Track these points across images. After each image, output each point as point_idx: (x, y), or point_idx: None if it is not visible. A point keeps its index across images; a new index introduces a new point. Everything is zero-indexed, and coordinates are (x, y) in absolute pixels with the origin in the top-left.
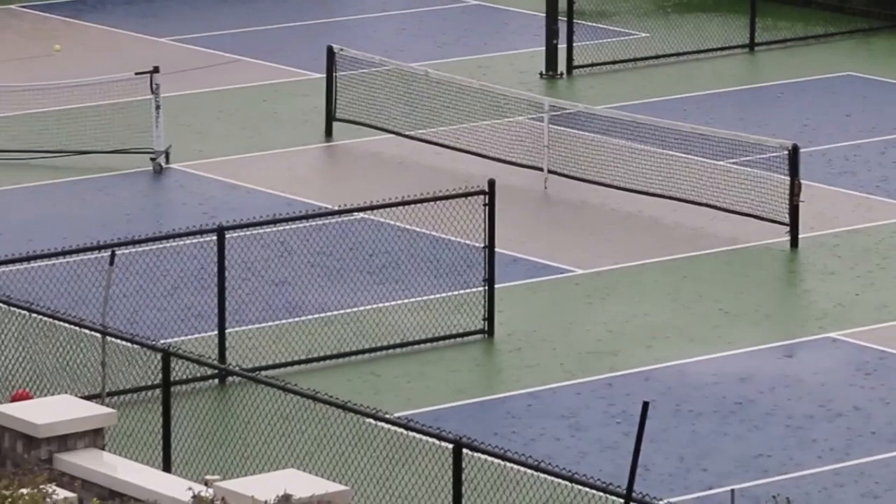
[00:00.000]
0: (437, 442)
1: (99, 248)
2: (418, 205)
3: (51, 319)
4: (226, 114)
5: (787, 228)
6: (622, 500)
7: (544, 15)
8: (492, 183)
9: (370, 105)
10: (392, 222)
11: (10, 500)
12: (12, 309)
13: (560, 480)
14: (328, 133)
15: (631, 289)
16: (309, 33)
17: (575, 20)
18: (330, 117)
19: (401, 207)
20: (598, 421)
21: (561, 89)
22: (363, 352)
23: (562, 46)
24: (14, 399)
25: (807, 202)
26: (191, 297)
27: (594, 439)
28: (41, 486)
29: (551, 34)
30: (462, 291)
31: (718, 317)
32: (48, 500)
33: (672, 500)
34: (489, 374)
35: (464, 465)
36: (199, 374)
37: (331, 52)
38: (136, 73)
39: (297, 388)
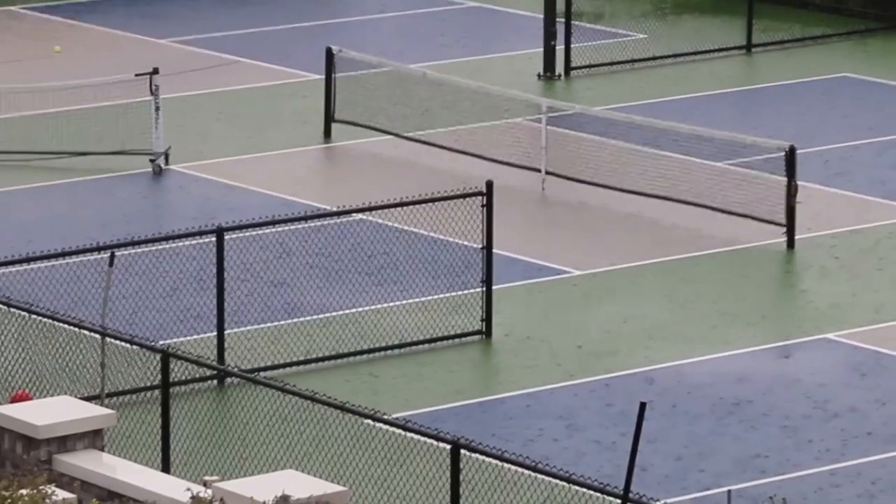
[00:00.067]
0: (435, 443)
1: (98, 249)
2: (417, 206)
3: (50, 320)
4: (225, 115)
5: (784, 229)
6: (619, 501)
7: (542, 16)
8: (490, 184)
9: (369, 106)
10: (391, 223)
11: (9, 500)
12: (12, 310)
13: (558, 481)
14: (327, 134)
15: (629, 289)
16: (308, 35)
17: (573, 22)
18: (329, 118)
19: (399, 208)
20: (595, 421)
21: (559, 91)
22: (361, 353)
23: (560, 48)
24: (14, 400)
25: (804, 203)
26: (190, 298)
27: (592, 440)
28: (41, 487)
29: (549, 36)
30: (460, 292)
31: (716, 317)
32: (48, 500)
33: (669, 500)
34: (487, 374)
35: (462, 466)
36: (198, 375)
37: (330, 54)
38: (136, 75)
39: (295, 389)
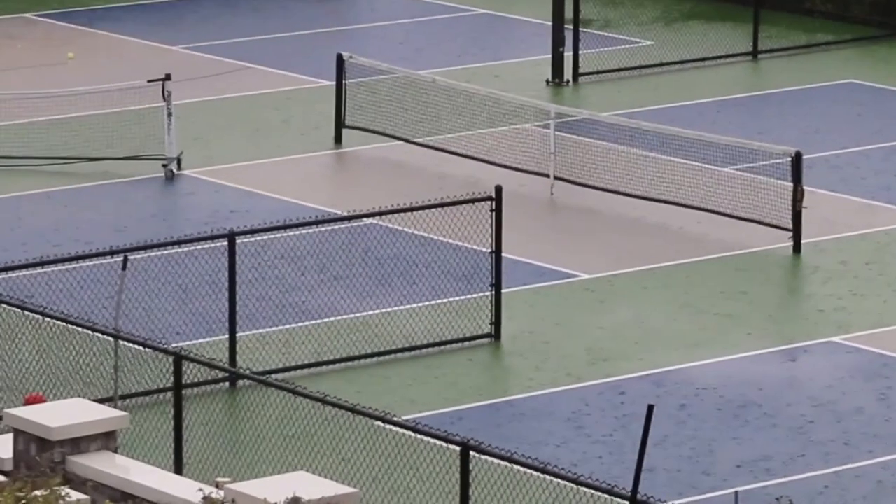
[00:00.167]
0: (444, 444)
1: (112, 252)
2: (426, 210)
3: (64, 323)
4: (237, 121)
5: (791, 234)
6: (627, 502)
7: (550, 23)
8: (499, 189)
9: (379, 112)
10: (400, 228)
11: (24, 501)
12: (27, 313)
13: (566, 482)
14: (337, 140)
15: (636, 293)
16: (319, 41)
17: (581, 28)
18: (339, 124)
19: (409, 213)
20: (603, 424)
21: (567, 96)
22: (372, 355)
23: (568, 54)
24: (28, 402)
25: (809, 208)
26: (202, 301)
27: (599, 442)
28: (55, 488)
29: (557, 42)
30: (469, 296)
31: (722, 321)
32: (61, 501)
33: (676, 501)
34: (496, 377)
35: (471, 467)
36: (210, 378)
37: (340, 60)
38: (149, 81)
39: (306, 392)
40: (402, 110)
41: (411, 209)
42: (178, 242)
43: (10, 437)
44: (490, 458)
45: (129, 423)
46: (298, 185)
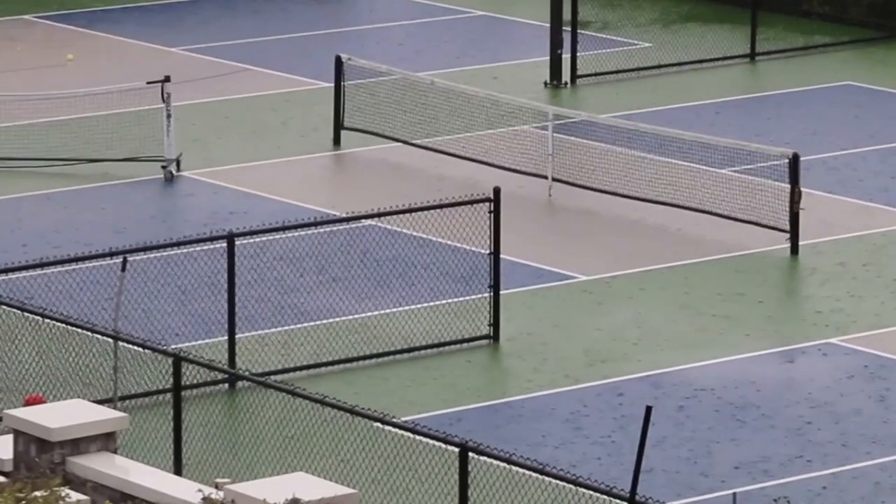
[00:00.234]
0: (443, 445)
1: (111, 254)
2: (425, 212)
3: (64, 325)
4: (236, 122)
5: (788, 235)
6: (626, 503)
7: (549, 25)
8: (497, 190)
9: (378, 114)
10: (399, 229)
11: (24, 502)
12: (26, 315)
13: (565, 483)
14: (336, 141)
15: (634, 295)
16: (317, 43)
17: (579, 31)
18: (338, 126)
19: (407, 214)
20: (601, 425)
21: (565, 98)
22: (371, 357)
23: (566, 56)
24: (27, 403)
25: (807, 210)
26: (201, 302)
27: (598, 443)
28: (55, 489)
29: (556, 44)
30: (468, 297)
31: (720, 322)
32: (61, 502)
33: (675, 503)
34: (495, 378)
35: (470, 469)
36: (209, 379)
37: (339, 62)
38: (148, 83)
39: (305, 393)
40: (400, 112)
41: (410, 210)
42: (178, 244)
43: (10, 437)
44: (489, 460)
45: (128, 424)
46: (297, 186)
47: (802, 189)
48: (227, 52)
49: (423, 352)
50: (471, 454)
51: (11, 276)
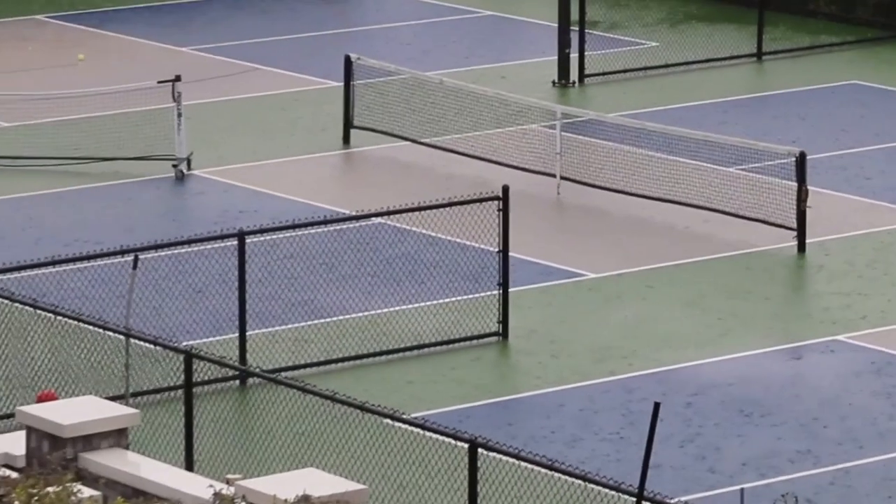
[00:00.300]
0: (453, 441)
1: (123, 252)
2: (434, 210)
3: (76, 322)
4: (246, 121)
5: (795, 233)
6: (634, 499)
7: (557, 25)
8: (506, 189)
9: (387, 113)
10: (408, 227)
11: (37, 498)
12: (39, 312)
13: (573, 479)
14: (346, 140)
15: (642, 292)
16: (327, 43)
17: (587, 30)
18: (347, 125)
19: (417, 213)
20: (610, 421)
21: (573, 97)
22: (380, 354)
23: (574, 56)
24: (40, 400)
25: (814, 208)
26: (212, 300)
27: (606, 439)
28: (67, 485)
29: (564, 44)
30: (477, 295)
31: (728, 319)
32: (73, 498)
33: (682, 499)
34: (504, 375)
35: (479, 465)
36: (220, 376)
37: (348, 62)
38: (159, 82)
39: (316, 389)
40: (409, 111)
41: (419, 209)
42: (189, 242)
43: (22, 434)
44: (498, 456)
45: (140, 421)
46: (307, 184)
47: (809, 187)
48: (237, 52)
49: (432, 349)
50: (480, 450)
51: (24, 273)
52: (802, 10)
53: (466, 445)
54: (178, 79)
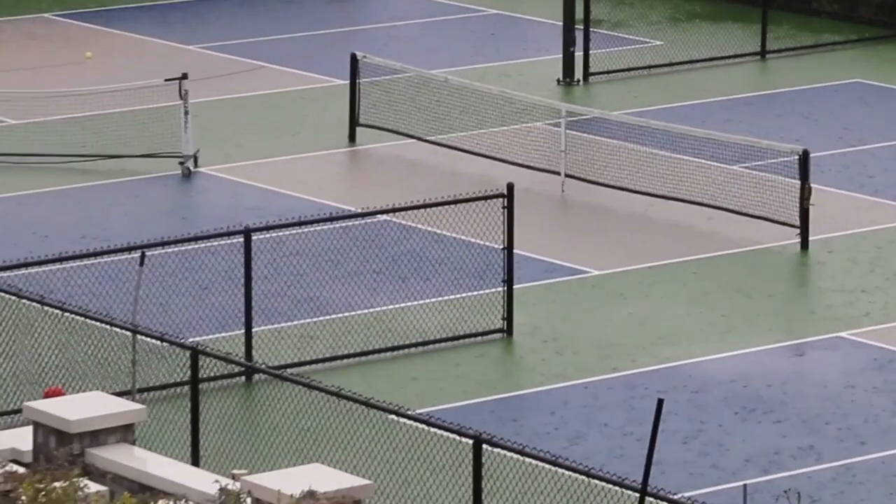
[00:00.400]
0: (457, 437)
1: (129, 249)
2: (439, 207)
3: (83, 318)
4: (252, 119)
5: (798, 231)
6: (637, 495)
7: (561, 23)
8: (510, 186)
9: (392, 111)
10: (414, 224)
11: (43, 493)
12: (46, 308)
13: (577, 475)
14: (351, 138)
15: (645, 289)
16: (333, 41)
17: (591, 28)
18: (353, 122)
19: (422, 210)
20: (613, 417)
21: (577, 95)
22: (385, 350)
23: (578, 54)
24: (47, 395)
25: (817, 205)
26: (218, 296)
27: (610, 435)
28: (73, 480)
29: (568, 42)
30: (482, 292)
31: (731, 317)
32: (80, 493)
33: (685, 494)
34: (508, 371)
35: (484, 461)
36: (226, 372)
37: (354, 60)
38: (166, 80)
39: (321, 386)
40: (415, 109)
41: (424, 206)
42: (195, 239)
43: (30, 429)
44: (502, 451)
45: (146, 417)
46: (313, 182)
47: (812, 185)
48: (244, 50)
49: (437, 345)
50: (484, 446)
51: (31, 270)
52: (806, 9)
53: (471, 441)
54: (184, 77)
